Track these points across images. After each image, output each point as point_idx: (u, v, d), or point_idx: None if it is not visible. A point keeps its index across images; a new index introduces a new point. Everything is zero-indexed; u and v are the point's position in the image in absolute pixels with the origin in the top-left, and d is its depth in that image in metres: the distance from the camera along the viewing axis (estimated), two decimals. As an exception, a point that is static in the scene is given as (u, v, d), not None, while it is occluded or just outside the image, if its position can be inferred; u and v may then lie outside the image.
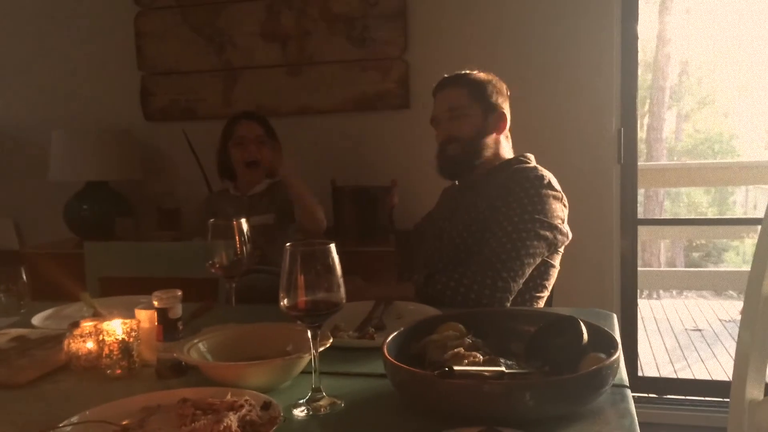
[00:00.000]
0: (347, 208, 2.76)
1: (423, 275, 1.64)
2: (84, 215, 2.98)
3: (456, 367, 0.86)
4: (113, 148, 2.99)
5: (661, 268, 8.31)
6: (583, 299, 2.61)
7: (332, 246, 1.01)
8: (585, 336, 1.01)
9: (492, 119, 1.79)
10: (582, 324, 1.03)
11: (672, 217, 10.03)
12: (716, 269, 8.17)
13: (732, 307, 5.59)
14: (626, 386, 1.02)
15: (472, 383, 0.88)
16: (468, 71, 1.84)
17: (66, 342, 1.23)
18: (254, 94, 3.04)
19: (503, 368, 0.92)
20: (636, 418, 0.93)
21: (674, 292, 6.22)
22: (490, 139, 1.79)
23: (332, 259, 1.01)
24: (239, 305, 1.50)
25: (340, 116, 2.98)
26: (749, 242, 8.72)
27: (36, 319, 1.54)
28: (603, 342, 1.03)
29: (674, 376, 3.92)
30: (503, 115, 1.81)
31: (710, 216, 10.57)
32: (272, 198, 2.53)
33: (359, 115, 2.97)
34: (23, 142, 3.35)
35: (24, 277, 1.63)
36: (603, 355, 0.98)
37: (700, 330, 4.94)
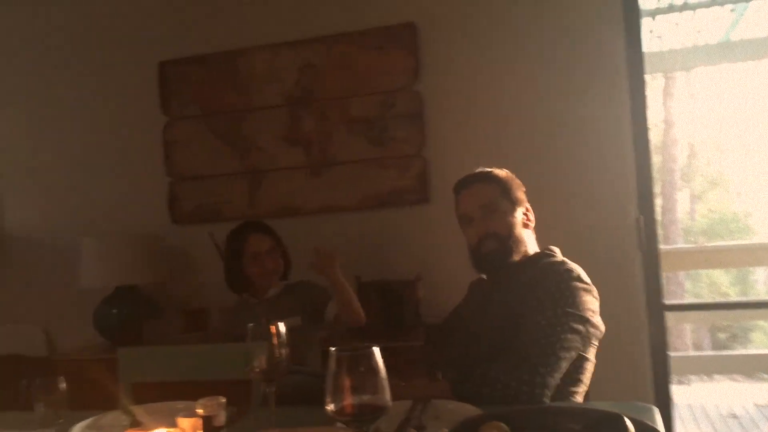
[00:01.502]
0: (373, 303, 2.78)
1: (457, 372, 1.64)
2: (113, 319, 3.01)
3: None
4: (142, 252, 3.06)
5: (689, 353, 8.12)
6: (615, 390, 2.57)
7: (376, 349, 1.03)
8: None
9: (519, 214, 1.84)
10: (627, 422, 1.03)
11: (694, 298, 9.89)
12: (746, 352, 7.97)
13: (766, 391, 5.42)
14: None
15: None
16: (489, 169, 1.90)
17: (110, 453, 1.24)
18: (278, 194, 3.14)
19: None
20: None
21: (704, 377, 6.06)
22: (521, 234, 1.84)
23: (376, 361, 1.03)
24: (277, 408, 1.50)
25: (362, 213, 3.05)
26: (776, 323, 8.55)
27: (75, 429, 1.54)
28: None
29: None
30: (528, 209, 1.88)
31: (733, 296, 10.42)
32: (293, 299, 2.55)
33: (380, 212, 3.04)
34: (52, 248, 3.44)
35: (62, 385, 1.63)
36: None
37: (736, 417, 4.78)
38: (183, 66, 3.29)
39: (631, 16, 2.84)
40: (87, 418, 1.62)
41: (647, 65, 2.87)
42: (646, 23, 4.46)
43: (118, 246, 3.04)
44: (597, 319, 1.69)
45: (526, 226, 1.86)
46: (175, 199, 3.29)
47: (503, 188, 1.85)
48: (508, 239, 1.81)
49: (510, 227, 1.82)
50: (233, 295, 2.85)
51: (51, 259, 3.44)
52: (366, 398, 1.02)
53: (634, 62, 2.84)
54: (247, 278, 2.59)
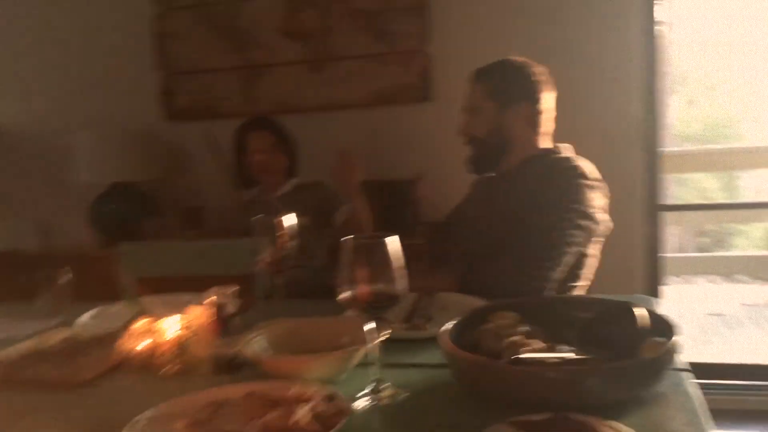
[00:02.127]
0: (373, 201, 2.77)
1: (461, 266, 1.65)
2: (110, 216, 3.01)
3: (526, 355, 0.87)
4: (137, 148, 3.01)
5: (676, 255, 8.30)
6: (609, 283, 2.62)
7: (393, 239, 1.03)
8: (643, 324, 1.02)
9: (511, 113, 1.76)
10: (637, 310, 1.04)
11: (682, 202, 10.01)
12: (729, 254, 8.16)
13: (749, 292, 5.58)
14: (688, 370, 1.03)
15: (543, 370, 0.90)
16: (499, 60, 1.82)
17: (120, 341, 1.25)
18: (276, 91, 3.06)
19: (570, 354, 0.94)
20: (696, 399, 0.94)
21: (687, 277, 6.23)
22: (511, 134, 1.77)
23: (392, 251, 1.03)
24: (283, 300, 1.52)
25: (363, 111, 2.99)
26: (758, 226, 8.70)
27: (81, 320, 1.56)
28: (658, 326, 1.05)
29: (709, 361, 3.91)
30: (527, 106, 1.77)
31: (720, 201, 10.53)
32: (304, 199, 2.53)
33: (382, 109, 2.98)
34: (45, 144, 3.38)
35: (69, 275, 1.63)
36: (662, 339, 1.00)
37: (721, 315, 4.94)
38: (174, -49, 3.11)
39: None
40: (91, 309, 1.64)
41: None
42: None
43: (111, 141, 2.99)
44: (602, 216, 1.69)
45: (524, 122, 1.77)
46: (169, 93, 3.20)
47: (495, 85, 1.75)
48: (486, 142, 1.76)
49: (489, 130, 1.76)
50: (231, 192, 2.83)
51: (43, 154, 3.38)
52: (381, 287, 1.02)
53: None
54: (253, 175, 2.59)
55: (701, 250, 9.39)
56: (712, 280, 6.25)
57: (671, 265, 6.08)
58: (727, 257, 7.26)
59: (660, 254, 2.87)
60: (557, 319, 1.14)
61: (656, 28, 2.78)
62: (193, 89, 3.17)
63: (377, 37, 2.93)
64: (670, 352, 0.95)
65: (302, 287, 1.90)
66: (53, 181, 3.31)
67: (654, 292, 2.88)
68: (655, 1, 2.77)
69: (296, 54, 3.03)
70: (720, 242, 9.93)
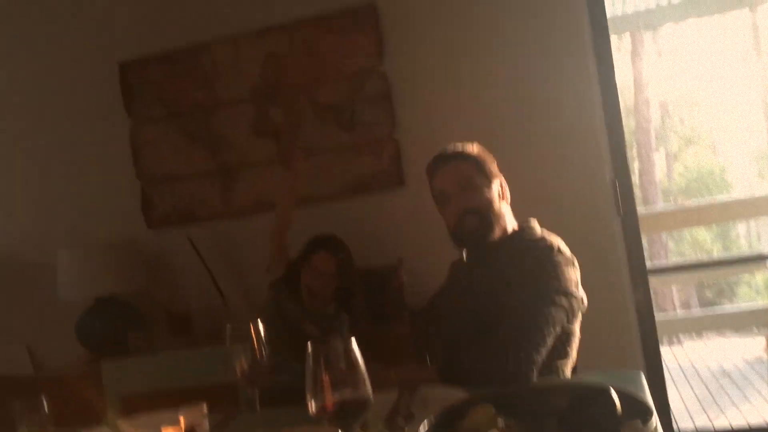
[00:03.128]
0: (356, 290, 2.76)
1: (444, 356, 1.63)
2: (96, 331, 2.97)
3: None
4: (119, 260, 3.01)
5: (678, 312, 8.22)
6: (606, 358, 2.58)
7: (353, 339, 1.02)
8: (618, 407, 0.99)
9: (495, 189, 1.82)
10: (613, 393, 1.01)
11: (679, 258, 10.01)
12: (733, 308, 8.10)
13: (756, 345, 5.48)
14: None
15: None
16: (460, 146, 1.87)
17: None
18: (253, 190, 3.09)
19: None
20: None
21: (694, 335, 6.13)
22: (500, 208, 1.82)
23: (354, 353, 1.01)
24: (264, 409, 1.48)
25: (339, 202, 3.01)
26: (760, 276, 8.68)
27: (61, 449, 1.52)
28: (637, 407, 1.02)
29: (710, 426, 3.81)
30: (503, 182, 1.85)
31: (716, 252, 10.55)
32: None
33: (357, 198, 3.00)
34: (29, 264, 3.37)
35: (45, 407, 1.59)
36: (640, 423, 0.97)
37: (728, 374, 4.83)
38: (144, 66, 3.21)
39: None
40: (72, 436, 1.60)
41: (613, 26, 2.84)
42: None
43: (94, 256, 2.99)
44: (579, 292, 1.68)
45: (502, 199, 1.84)
46: (148, 202, 3.23)
47: (478, 164, 1.82)
48: (488, 214, 1.79)
49: (488, 202, 1.79)
50: (217, 298, 2.80)
51: (28, 274, 3.36)
52: (347, 393, 1.00)
53: (599, 24, 2.82)
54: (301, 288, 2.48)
55: (706, 304, 9.33)
56: (722, 334, 6.15)
57: (674, 324, 6.03)
58: (733, 311, 7.15)
59: (653, 319, 2.82)
60: (534, 408, 1.11)
61: (617, 88, 2.82)
62: (172, 196, 3.20)
63: (346, 128, 2.99)
64: (648, 436, 0.92)
65: (286, 393, 1.86)
66: (40, 302, 3.27)
67: (654, 357, 2.82)
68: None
69: (269, 152, 3.07)
70: (722, 293, 9.87)
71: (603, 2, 2.83)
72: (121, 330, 2.94)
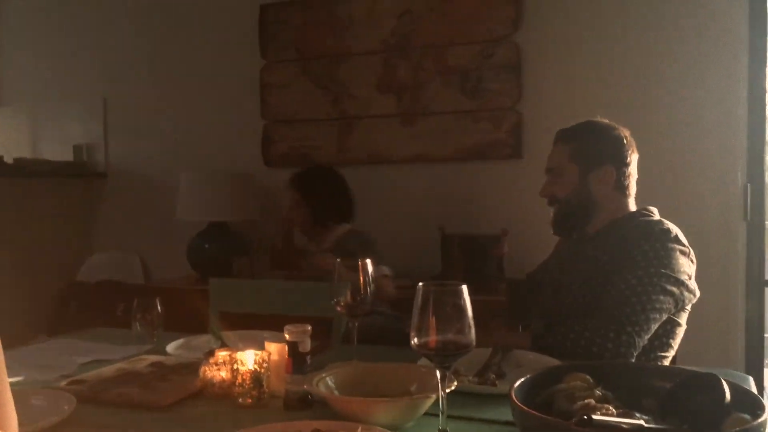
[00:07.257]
0: (456, 255, 2.78)
1: (541, 325, 1.62)
2: (205, 254, 3.15)
3: (595, 417, 0.84)
4: (236, 190, 3.17)
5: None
6: (705, 362, 2.47)
7: (464, 287, 1.03)
8: (728, 395, 0.96)
9: (594, 176, 1.73)
10: (724, 382, 0.98)
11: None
12: None
13: None
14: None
15: (611, 434, 0.86)
16: (586, 121, 1.81)
17: (202, 369, 1.30)
18: (369, 142, 3.16)
19: (642, 422, 0.90)
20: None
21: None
22: (596, 196, 1.73)
23: (464, 300, 1.03)
24: (358, 345, 1.53)
25: (452, 165, 3.02)
26: None
27: (169, 348, 1.64)
28: (745, 403, 0.98)
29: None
30: (611, 170, 1.72)
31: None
32: (346, 248, 2.59)
33: (470, 164, 3.00)
34: (151, 183, 3.61)
35: (159, 308, 1.73)
36: (747, 416, 0.93)
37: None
38: (283, 10, 3.32)
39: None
40: (180, 338, 1.73)
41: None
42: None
43: (213, 183, 3.16)
44: (692, 283, 1.61)
45: (609, 186, 1.73)
46: (268, 141, 3.36)
47: (578, 148, 1.73)
48: (569, 205, 1.74)
49: (572, 193, 1.73)
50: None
51: (150, 192, 3.61)
52: (451, 336, 1.02)
53: (758, 18, 2.65)
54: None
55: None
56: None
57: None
58: None
59: (762, 332, 2.67)
60: (633, 386, 1.10)
61: (763, 95, 2.66)
62: (291, 138, 3.31)
63: (469, 94, 2.98)
64: (757, 429, 0.89)
65: (378, 333, 1.91)
66: (158, 219, 3.51)
67: (757, 373, 2.68)
68: None
69: (389, 107, 3.11)
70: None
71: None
72: (227, 255, 3.11)
